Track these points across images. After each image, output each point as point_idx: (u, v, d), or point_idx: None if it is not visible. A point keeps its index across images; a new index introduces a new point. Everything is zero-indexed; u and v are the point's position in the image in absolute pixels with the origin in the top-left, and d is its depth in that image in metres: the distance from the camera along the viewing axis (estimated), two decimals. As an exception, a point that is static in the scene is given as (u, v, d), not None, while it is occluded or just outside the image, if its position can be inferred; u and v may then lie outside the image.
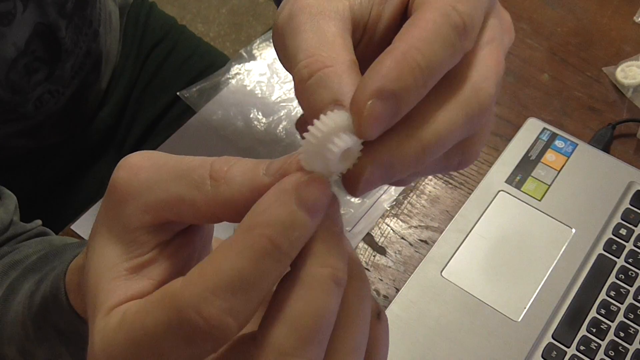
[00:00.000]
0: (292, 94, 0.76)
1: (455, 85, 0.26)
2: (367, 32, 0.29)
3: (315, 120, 0.24)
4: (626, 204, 0.65)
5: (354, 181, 0.24)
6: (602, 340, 0.58)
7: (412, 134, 0.25)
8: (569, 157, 0.69)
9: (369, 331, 0.25)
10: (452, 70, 0.26)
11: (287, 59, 0.28)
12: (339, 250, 0.24)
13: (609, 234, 0.63)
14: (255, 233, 0.22)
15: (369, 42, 0.30)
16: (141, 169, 0.26)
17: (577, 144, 0.69)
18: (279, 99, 0.76)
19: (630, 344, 0.57)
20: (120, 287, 0.25)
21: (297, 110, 0.75)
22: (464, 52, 0.26)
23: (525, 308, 0.59)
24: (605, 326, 0.58)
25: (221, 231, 0.30)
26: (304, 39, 0.27)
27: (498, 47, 0.28)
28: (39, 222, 0.55)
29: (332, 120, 0.24)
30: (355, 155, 0.24)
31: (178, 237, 0.28)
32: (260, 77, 0.77)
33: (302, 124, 0.27)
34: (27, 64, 0.65)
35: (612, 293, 0.60)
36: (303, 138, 0.24)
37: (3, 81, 0.64)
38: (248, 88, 0.76)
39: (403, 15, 0.30)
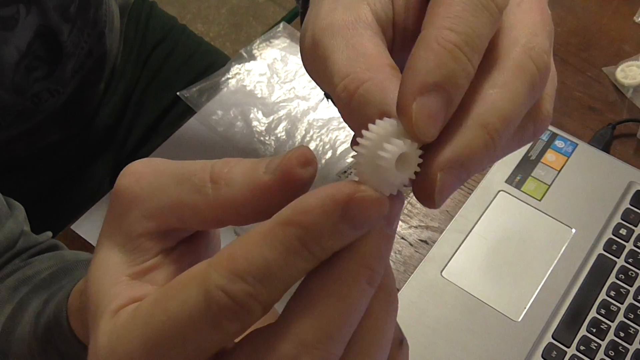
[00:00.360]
0: (292, 94, 0.76)
1: (503, 53, 0.24)
2: (397, 27, 0.28)
3: (363, 131, 0.22)
4: (626, 204, 0.65)
5: (428, 193, 0.22)
6: (602, 340, 0.58)
7: (474, 123, 0.22)
8: (569, 157, 0.69)
9: (389, 352, 0.24)
10: (493, 40, 0.24)
11: (324, 85, 0.27)
12: (383, 254, 0.23)
13: (609, 234, 0.63)
14: (290, 231, 0.21)
15: (404, 36, 0.28)
16: (143, 175, 0.26)
17: (577, 144, 0.69)
18: (279, 99, 0.76)
19: (630, 344, 0.57)
20: (124, 290, 0.25)
21: (297, 110, 0.75)
22: (502, 11, 0.24)
23: (525, 308, 0.59)
24: (605, 326, 0.58)
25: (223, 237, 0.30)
26: (334, 61, 0.25)
27: None
28: (50, 234, 0.54)
29: (381, 127, 0.22)
30: (414, 161, 0.22)
31: (182, 244, 0.27)
32: (260, 77, 0.77)
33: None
34: (27, 64, 0.65)
35: (612, 293, 0.60)
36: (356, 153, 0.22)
37: (9, 86, 0.64)
38: (248, 88, 0.76)
39: None
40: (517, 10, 0.25)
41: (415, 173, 0.22)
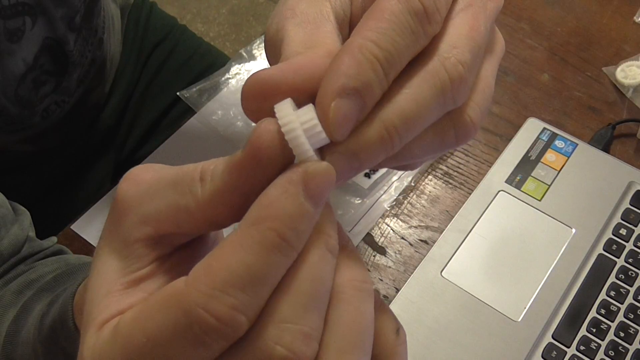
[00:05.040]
0: (292, 94, 0.76)
1: (423, 60, 0.25)
2: (352, 27, 0.29)
3: (283, 113, 0.23)
4: (626, 204, 0.65)
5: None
6: (602, 340, 0.58)
7: (373, 117, 0.24)
8: (569, 157, 0.68)
9: (372, 337, 0.24)
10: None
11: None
12: (330, 219, 0.24)
13: (609, 234, 0.63)
14: (263, 227, 0.22)
15: None
16: (143, 180, 0.26)
17: (577, 144, 0.69)
18: (279, 99, 0.75)
19: (630, 344, 0.57)
20: (113, 302, 0.25)
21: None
22: (431, 37, 0.25)
23: (525, 308, 0.59)
24: (605, 326, 0.58)
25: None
26: (287, 43, 0.27)
27: (475, 13, 0.27)
28: (55, 239, 0.54)
29: (301, 111, 0.23)
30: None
31: (179, 251, 0.27)
32: (260, 77, 0.77)
33: None
34: (35, 78, 0.65)
35: (612, 293, 0.60)
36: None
37: (12, 97, 0.64)
38: (248, 88, 0.76)
39: None
40: (451, 23, 0.26)
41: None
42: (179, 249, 0.27)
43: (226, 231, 0.27)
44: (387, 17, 0.24)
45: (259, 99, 0.25)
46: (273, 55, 0.29)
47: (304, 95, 0.25)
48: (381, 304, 0.26)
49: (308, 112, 0.23)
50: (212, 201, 0.24)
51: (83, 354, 0.24)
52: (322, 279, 0.23)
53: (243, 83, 0.83)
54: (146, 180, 0.26)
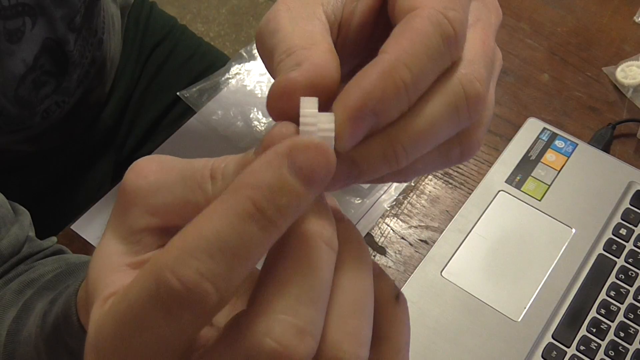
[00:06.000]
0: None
1: (440, 77, 0.25)
2: (341, 31, 0.29)
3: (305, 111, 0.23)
4: (626, 204, 0.65)
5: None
6: (602, 340, 0.58)
7: (382, 133, 0.24)
8: (569, 157, 0.69)
9: (372, 303, 0.24)
10: None
11: (268, 59, 0.28)
12: (325, 211, 0.23)
13: (609, 234, 0.63)
14: (239, 194, 0.21)
15: (344, 41, 0.29)
16: (150, 172, 0.26)
17: (577, 144, 0.69)
18: (279, 99, 0.75)
19: (630, 344, 0.57)
20: (119, 279, 0.25)
21: (297, 110, 0.75)
22: (452, 61, 0.25)
23: (525, 308, 0.59)
24: (605, 326, 0.58)
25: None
26: (282, 36, 0.26)
27: (484, 27, 0.26)
28: (54, 239, 0.54)
29: (322, 116, 0.23)
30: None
31: None
32: (260, 77, 0.77)
33: None
34: (35, 78, 0.65)
35: (612, 293, 0.60)
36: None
37: (12, 97, 0.64)
38: (248, 88, 0.76)
39: (379, 10, 0.29)
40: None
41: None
42: None
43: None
44: (420, 40, 0.23)
45: (285, 99, 0.24)
46: (262, 45, 0.28)
47: (323, 97, 0.25)
48: (380, 271, 0.26)
49: (329, 120, 0.23)
50: None
51: (89, 329, 0.24)
52: (319, 273, 0.22)
53: (244, 83, 0.83)
54: (153, 172, 0.26)
